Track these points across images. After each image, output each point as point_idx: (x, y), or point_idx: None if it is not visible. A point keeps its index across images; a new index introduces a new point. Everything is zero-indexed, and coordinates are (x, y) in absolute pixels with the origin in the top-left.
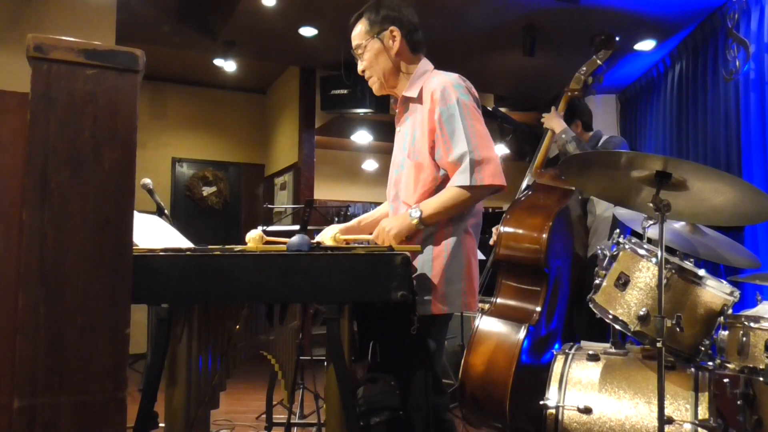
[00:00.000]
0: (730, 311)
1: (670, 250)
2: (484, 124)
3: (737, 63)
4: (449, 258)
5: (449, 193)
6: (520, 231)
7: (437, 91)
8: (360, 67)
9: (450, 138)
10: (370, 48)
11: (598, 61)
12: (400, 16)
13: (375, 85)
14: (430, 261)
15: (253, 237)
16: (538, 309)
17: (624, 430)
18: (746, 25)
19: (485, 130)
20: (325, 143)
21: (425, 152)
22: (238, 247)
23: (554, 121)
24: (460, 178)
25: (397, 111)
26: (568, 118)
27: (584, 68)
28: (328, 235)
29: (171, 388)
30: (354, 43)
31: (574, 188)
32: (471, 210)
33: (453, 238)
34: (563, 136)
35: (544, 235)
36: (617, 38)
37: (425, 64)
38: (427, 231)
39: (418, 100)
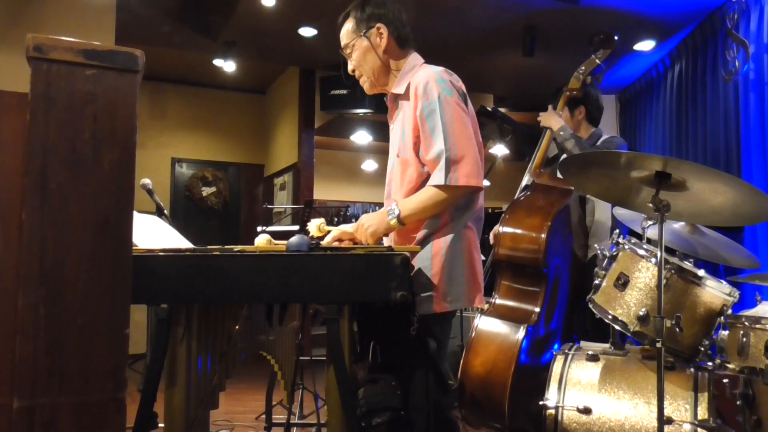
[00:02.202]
0: (729, 311)
1: (669, 251)
2: (466, 121)
3: (737, 63)
4: (448, 254)
5: (426, 193)
6: (519, 231)
7: (420, 87)
8: (350, 67)
9: (430, 134)
10: (358, 47)
11: (597, 61)
12: (387, 13)
13: (366, 84)
14: (430, 259)
15: (261, 242)
16: (537, 309)
17: (623, 431)
18: (746, 26)
19: (465, 128)
20: (325, 143)
21: (411, 149)
22: (238, 247)
23: (552, 119)
24: (436, 177)
25: (389, 108)
26: (572, 104)
27: (583, 68)
28: (314, 225)
29: (170, 389)
30: (342, 42)
31: (573, 188)
32: (470, 205)
33: (451, 235)
34: (561, 133)
35: (543, 235)
36: (616, 38)
37: (414, 59)
38: (426, 230)
39: (405, 96)
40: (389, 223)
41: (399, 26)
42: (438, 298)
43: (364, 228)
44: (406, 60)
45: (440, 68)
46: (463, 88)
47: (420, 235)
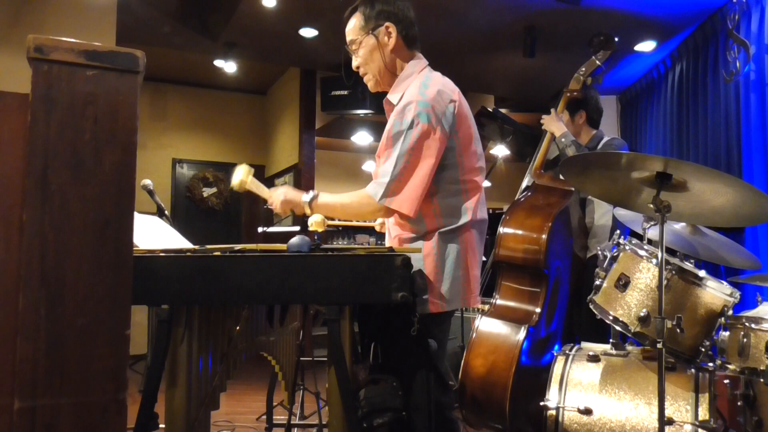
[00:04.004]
0: (730, 312)
1: (670, 251)
2: (424, 152)
3: (737, 64)
4: (439, 254)
5: (357, 197)
6: (520, 232)
7: (401, 104)
8: (354, 63)
9: (390, 153)
10: (365, 44)
11: (597, 62)
12: (396, 11)
13: (370, 83)
14: (422, 259)
15: (316, 220)
16: (538, 310)
17: (624, 431)
18: (746, 26)
19: (421, 159)
20: (326, 144)
21: None
22: (238, 246)
23: (554, 124)
24: (374, 188)
25: (386, 111)
26: (573, 109)
27: (583, 69)
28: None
29: (171, 390)
30: (348, 38)
31: (573, 189)
32: (469, 205)
33: (444, 235)
34: (563, 140)
35: (544, 236)
36: (616, 39)
37: (413, 65)
38: (420, 230)
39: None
40: (300, 202)
41: (408, 25)
42: (433, 297)
43: (278, 193)
44: (410, 62)
45: (435, 86)
46: (456, 104)
47: (410, 235)
